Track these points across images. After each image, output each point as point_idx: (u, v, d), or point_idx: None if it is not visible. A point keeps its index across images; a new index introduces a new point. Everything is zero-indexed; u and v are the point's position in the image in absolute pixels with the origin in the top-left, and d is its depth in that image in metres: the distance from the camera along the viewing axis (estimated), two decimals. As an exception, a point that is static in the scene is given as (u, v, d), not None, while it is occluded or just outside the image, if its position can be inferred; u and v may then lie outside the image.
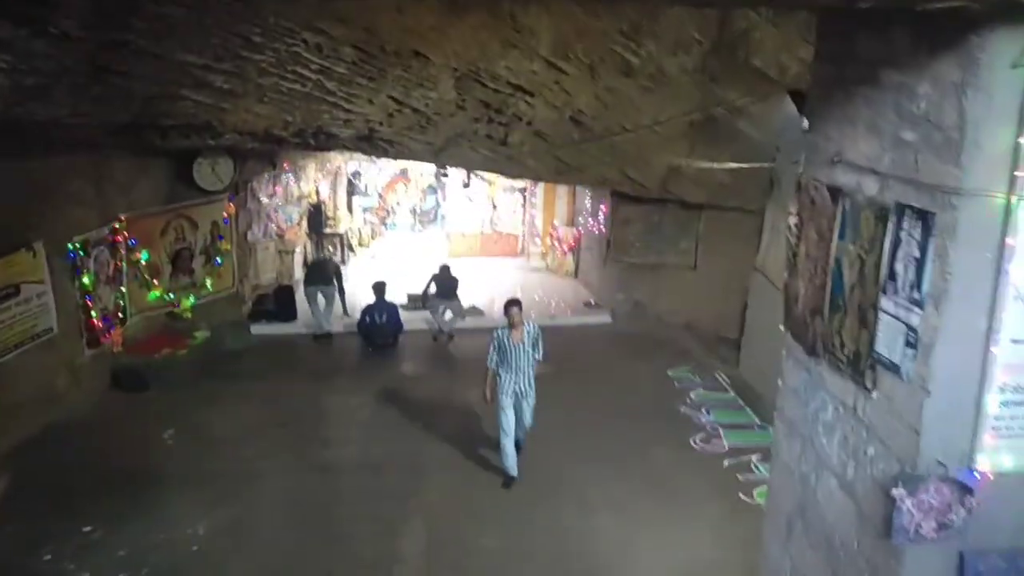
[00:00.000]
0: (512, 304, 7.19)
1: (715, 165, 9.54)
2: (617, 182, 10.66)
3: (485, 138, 9.22)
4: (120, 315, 9.44)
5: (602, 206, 13.10)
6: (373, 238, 17.42)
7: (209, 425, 8.14)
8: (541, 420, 8.04)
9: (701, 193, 10.71)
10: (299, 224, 13.70)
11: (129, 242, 9.56)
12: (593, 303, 13.30)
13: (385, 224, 18.22)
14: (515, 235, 17.40)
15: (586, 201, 14.26)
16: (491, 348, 7.21)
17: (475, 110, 8.15)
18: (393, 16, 5.81)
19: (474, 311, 12.47)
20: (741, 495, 6.72)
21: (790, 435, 3.99)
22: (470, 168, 10.86)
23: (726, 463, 7.33)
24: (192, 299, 10.68)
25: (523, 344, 7.13)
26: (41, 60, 4.07)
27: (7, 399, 7.40)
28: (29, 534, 5.99)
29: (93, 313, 8.74)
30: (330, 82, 6.23)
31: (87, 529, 6.08)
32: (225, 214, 11.01)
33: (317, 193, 14.49)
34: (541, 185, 16.57)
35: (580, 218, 14.81)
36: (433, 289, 11.47)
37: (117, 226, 9.31)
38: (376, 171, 17.49)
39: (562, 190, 16.02)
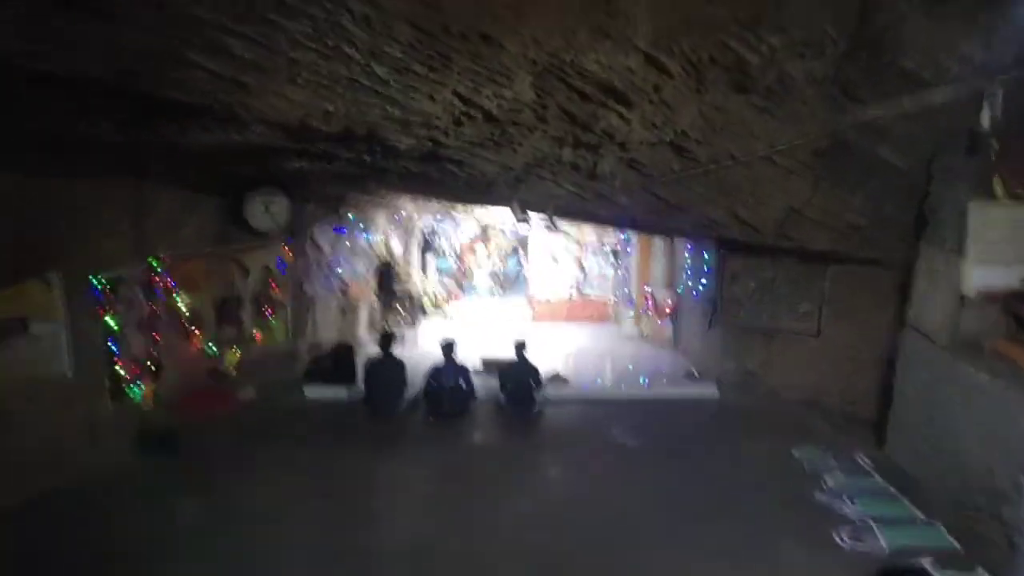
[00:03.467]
0: None
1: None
2: (724, 225, 9.32)
3: (570, 169, 8.13)
4: (152, 367, 8.55)
5: (704, 254, 11.77)
6: (448, 301, 16.45)
7: (238, 497, 7.04)
8: (636, 506, 6.82)
9: (825, 238, 9.22)
10: (365, 280, 12.85)
11: (169, 285, 8.75)
12: (696, 374, 11.78)
13: (463, 288, 17.28)
14: (605, 300, 16.11)
15: (686, 256, 12.93)
16: None
17: (558, 126, 7.07)
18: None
19: (558, 380, 11.16)
20: (916, 613, 5.09)
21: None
22: (555, 211, 9.75)
23: (887, 568, 5.69)
24: (238, 353, 9.76)
25: None
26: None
27: (6, 456, 6.49)
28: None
29: (119, 361, 7.86)
30: (381, 67, 5.25)
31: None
32: (280, 260, 10.18)
33: (388, 247, 13.69)
34: (634, 244, 15.36)
35: (680, 278, 13.46)
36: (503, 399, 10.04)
37: (156, 265, 8.54)
38: (453, 228, 16.71)
39: (658, 250, 14.76)
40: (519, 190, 8.80)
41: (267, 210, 9.62)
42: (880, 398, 9.52)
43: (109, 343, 7.81)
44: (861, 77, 7.33)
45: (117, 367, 7.90)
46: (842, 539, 6.18)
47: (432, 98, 5.89)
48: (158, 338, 8.69)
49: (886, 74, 7.22)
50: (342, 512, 6.70)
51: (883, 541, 6.14)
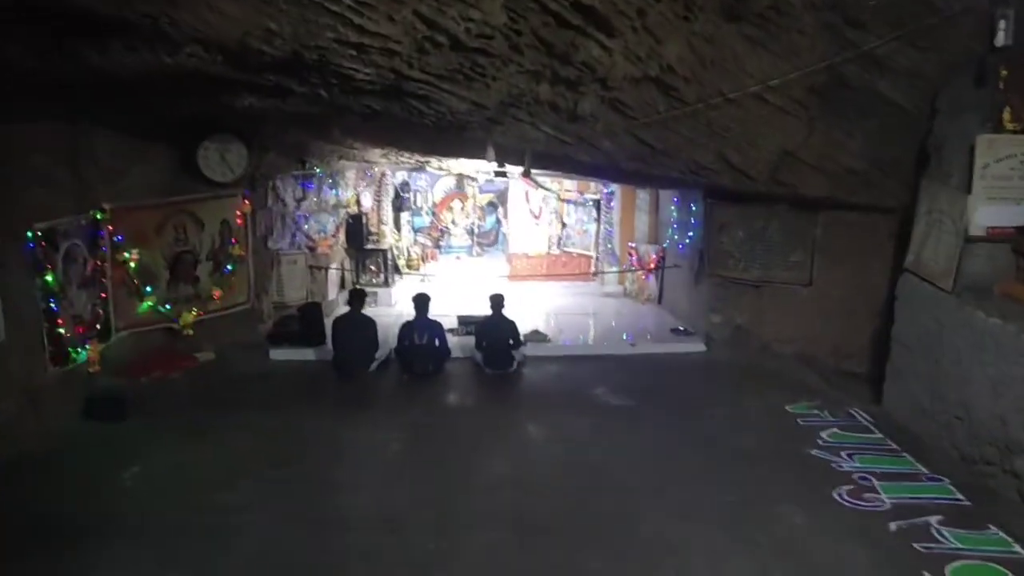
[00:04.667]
0: None
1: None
2: (714, 171, 8.84)
3: (549, 109, 7.60)
4: (99, 327, 8.02)
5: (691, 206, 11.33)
6: (424, 260, 15.92)
7: (188, 464, 6.58)
8: (626, 467, 6.49)
9: (823, 183, 8.79)
10: (335, 236, 12.28)
11: (115, 238, 8.18)
12: (682, 329, 11.38)
13: (439, 246, 16.73)
14: (587, 256, 15.64)
15: (671, 208, 12.46)
16: None
17: (534, 57, 6.54)
18: None
19: (537, 336, 10.71)
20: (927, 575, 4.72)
21: None
22: (533, 158, 9.21)
23: (893, 526, 5.35)
24: (194, 313, 9.23)
25: None
26: None
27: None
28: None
29: (60, 322, 7.32)
30: (329, -23, 4.70)
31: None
32: (239, 213, 9.60)
33: (358, 203, 13.11)
34: (617, 198, 14.87)
35: (665, 232, 12.99)
36: (480, 357, 9.57)
37: (99, 217, 7.96)
38: (426, 184, 16.11)
39: (642, 203, 14.28)
40: (494, 133, 8.25)
41: (223, 159, 9.03)
42: (876, 351, 9.19)
43: (49, 302, 7.25)
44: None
45: (59, 328, 7.34)
46: (841, 497, 5.83)
47: (391, 18, 5.34)
48: (105, 296, 8.15)
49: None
50: (302, 478, 6.26)
51: (884, 497, 5.79)
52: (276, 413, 7.79)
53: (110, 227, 8.13)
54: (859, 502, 5.72)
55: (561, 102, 7.46)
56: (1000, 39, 6.24)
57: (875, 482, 6.02)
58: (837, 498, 5.80)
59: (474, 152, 9.58)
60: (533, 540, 5.28)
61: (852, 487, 5.95)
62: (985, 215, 6.41)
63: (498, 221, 17.04)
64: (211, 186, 9.17)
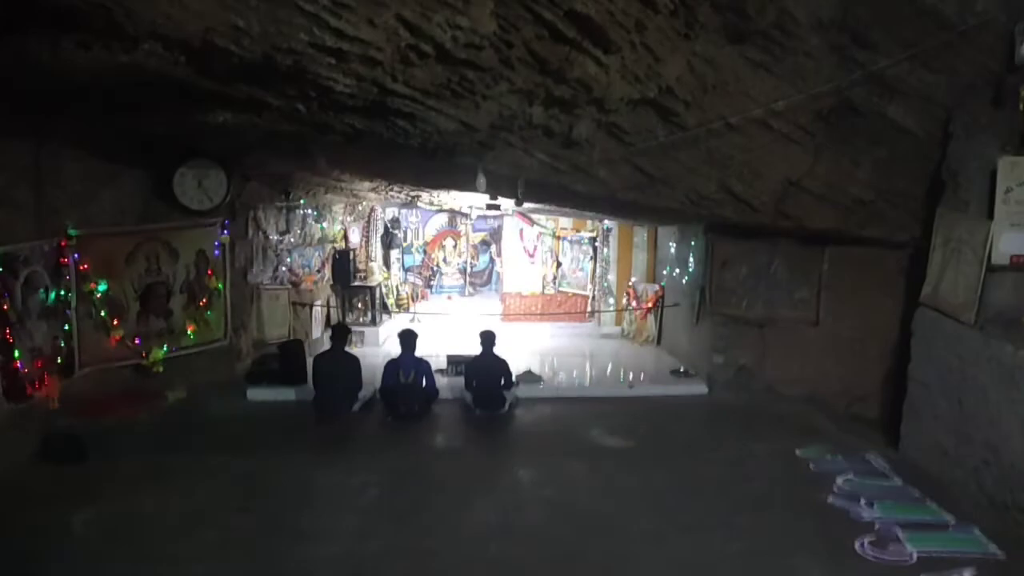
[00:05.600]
0: None
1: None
2: (716, 202, 8.49)
3: (543, 134, 7.28)
4: (60, 361, 7.55)
5: (691, 241, 10.96)
6: (414, 300, 15.50)
7: (146, 510, 6.05)
8: (623, 512, 6.04)
9: (829, 215, 8.44)
10: (320, 272, 11.87)
11: (81, 267, 7.76)
12: (683, 371, 10.93)
13: (430, 286, 16.33)
14: (584, 296, 15.25)
15: (670, 245, 12.11)
16: None
17: (527, 75, 6.20)
18: None
19: (530, 376, 10.26)
20: (966, 640, 4.23)
21: None
22: (526, 187, 8.86)
23: (920, 581, 4.85)
24: (165, 349, 8.76)
25: None
26: None
27: None
28: None
29: (17, 354, 6.86)
30: (301, -29, 4.36)
31: None
32: (216, 243, 9.19)
33: (345, 238, 12.72)
34: (614, 235, 14.53)
35: (664, 270, 12.62)
36: (469, 397, 9.11)
37: (64, 244, 7.55)
38: (417, 220, 15.78)
39: (641, 239, 13.95)
40: (485, 159, 7.91)
41: (200, 185, 8.66)
42: (889, 393, 8.77)
43: (6, 332, 6.79)
44: (874, 18, 6.57)
45: (17, 359, 6.88)
46: (863, 548, 5.33)
47: (371, 22, 4.99)
48: (68, 329, 7.70)
49: (903, 13, 6.46)
50: (267, 527, 5.73)
51: (909, 548, 5.30)
52: (247, 456, 7.28)
53: (76, 254, 7.71)
54: (884, 555, 5.22)
55: (555, 126, 7.14)
56: (1020, 56, 5.92)
57: (899, 532, 5.52)
58: (859, 550, 5.29)
59: (464, 182, 9.23)
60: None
61: (874, 538, 5.45)
62: (1009, 242, 6.02)
63: (491, 260, 16.69)
64: (187, 214, 8.79)
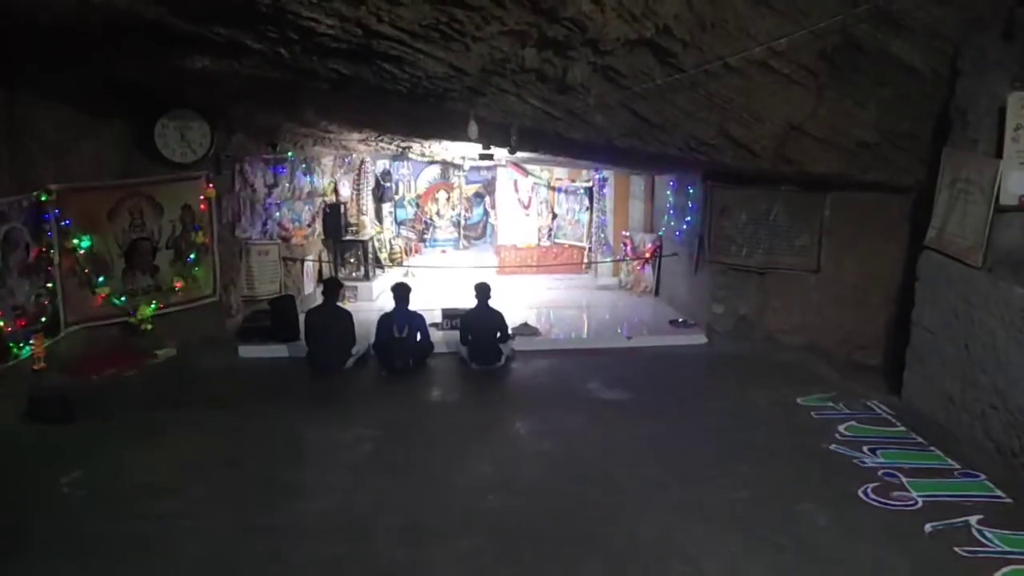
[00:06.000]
0: None
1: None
2: (715, 147, 8.27)
3: (536, 79, 7.04)
4: (44, 320, 7.40)
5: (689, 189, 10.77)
6: (408, 254, 15.31)
7: (134, 468, 5.95)
8: (624, 463, 5.95)
9: (832, 159, 8.24)
10: (310, 226, 11.67)
11: (62, 223, 7.57)
12: (681, 321, 10.81)
13: (424, 240, 16.13)
14: (580, 247, 15.07)
15: (668, 193, 11.91)
16: None
17: (519, 15, 5.94)
18: None
19: (527, 329, 10.14)
20: (970, 583, 4.17)
21: None
22: (519, 134, 8.63)
23: (928, 528, 4.77)
24: (154, 306, 8.61)
25: None
26: None
27: None
28: None
29: (-5, 312, 6.72)
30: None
31: None
32: (202, 198, 8.98)
33: (336, 192, 12.50)
34: (611, 185, 14.31)
35: (661, 220, 12.43)
36: (465, 351, 8.98)
37: (44, 198, 7.35)
38: (409, 172, 15.51)
39: (638, 188, 13.73)
40: (476, 105, 7.67)
41: (183, 137, 8.43)
42: (891, 341, 8.68)
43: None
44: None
45: (-4, 318, 6.74)
46: (866, 494, 5.25)
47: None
48: (51, 287, 7.53)
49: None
50: (258, 481, 5.64)
51: (914, 495, 5.22)
52: (238, 412, 7.19)
53: (56, 210, 7.51)
54: (888, 501, 5.14)
55: (549, 70, 6.89)
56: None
57: (903, 479, 5.45)
58: (863, 496, 5.22)
59: (456, 131, 9.01)
60: (518, 548, 4.68)
61: (878, 484, 5.38)
62: (1018, 182, 5.83)
63: (485, 212, 16.45)
64: (171, 167, 8.57)
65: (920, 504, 5.09)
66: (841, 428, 6.56)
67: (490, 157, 11.01)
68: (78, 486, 5.62)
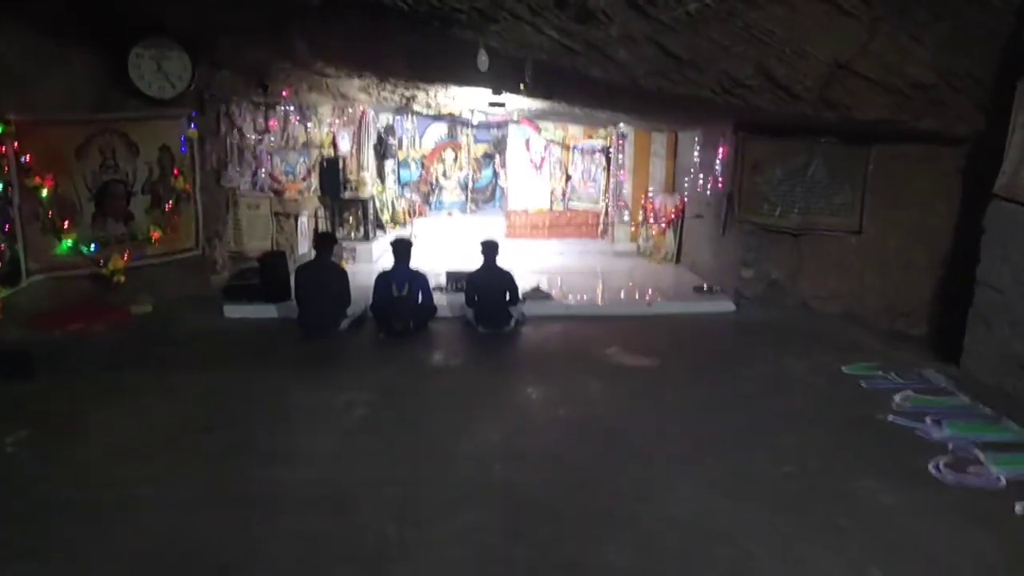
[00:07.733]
0: None
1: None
2: (751, 88, 7.60)
3: (553, 4, 6.41)
4: (3, 266, 6.81)
5: (720, 149, 10.08)
6: (411, 216, 14.67)
7: (91, 430, 5.37)
8: (649, 433, 5.39)
9: (882, 103, 7.58)
10: (305, 180, 11.04)
11: (21, 159, 6.95)
12: (707, 287, 10.17)
13: (429, 202, 15.48)
14: (595, 211, 14.41)
15: (694, 151, 11.23)
16: None
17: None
18: None
19: (538, 294, 9.53)
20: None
21: None
22: (534, 70, 7.98)
23: (1019, 508, 4.14)
24: (128, 255, 8.00)
25: None
26: None
27: None
28: None
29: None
30: None
31: None
32: (183, 138, 8.34)
33: (334, 145, 11.84)
34: (630, 141, 13.62)
35: (685, 180, 11.76)
36: (471, 313, 8.39)
37: (1, 132, 6.74)
38: (413, 127, 14.85)
39: (660, 146, 13.05)
40: (487, 33, 7.01)
41: (159, 68, 7.79)
42: (938, 309, 8.08)
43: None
44: None
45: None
46: (938, 469, 4.63)
47: None
48: (8, 230, 6.94)
49: None
50: (234, 447, 5.06)
51: (995, 471, 4.59)
52: (217, 375, 6.59)
53: (16, 143, 6.89)
54: (965, 477, 4.52)
55: (570, -9, 6.25)
56: None
57: (979, 453, 4.82)
58: (934, 472, 4.60)
59: (465, 71, 8.32)
60: (531, 524, 4.08)
61: (951, 459, 4.76)
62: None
63: (495, 174, 15.77)
64: (148, 104, 7.94)
65: (1004, 482, 4.47)
66: (897, 398, 5.93)
67: (501, 105, 10.33)
68: (28, 447, 5.05)
